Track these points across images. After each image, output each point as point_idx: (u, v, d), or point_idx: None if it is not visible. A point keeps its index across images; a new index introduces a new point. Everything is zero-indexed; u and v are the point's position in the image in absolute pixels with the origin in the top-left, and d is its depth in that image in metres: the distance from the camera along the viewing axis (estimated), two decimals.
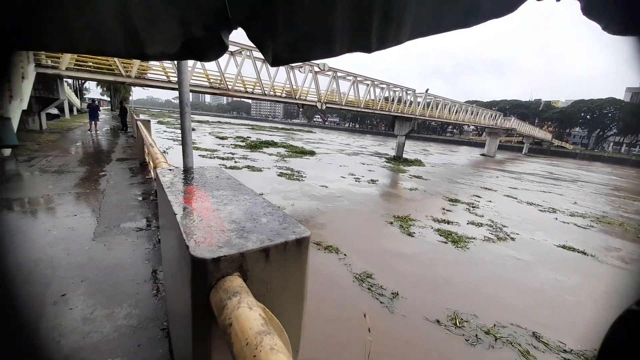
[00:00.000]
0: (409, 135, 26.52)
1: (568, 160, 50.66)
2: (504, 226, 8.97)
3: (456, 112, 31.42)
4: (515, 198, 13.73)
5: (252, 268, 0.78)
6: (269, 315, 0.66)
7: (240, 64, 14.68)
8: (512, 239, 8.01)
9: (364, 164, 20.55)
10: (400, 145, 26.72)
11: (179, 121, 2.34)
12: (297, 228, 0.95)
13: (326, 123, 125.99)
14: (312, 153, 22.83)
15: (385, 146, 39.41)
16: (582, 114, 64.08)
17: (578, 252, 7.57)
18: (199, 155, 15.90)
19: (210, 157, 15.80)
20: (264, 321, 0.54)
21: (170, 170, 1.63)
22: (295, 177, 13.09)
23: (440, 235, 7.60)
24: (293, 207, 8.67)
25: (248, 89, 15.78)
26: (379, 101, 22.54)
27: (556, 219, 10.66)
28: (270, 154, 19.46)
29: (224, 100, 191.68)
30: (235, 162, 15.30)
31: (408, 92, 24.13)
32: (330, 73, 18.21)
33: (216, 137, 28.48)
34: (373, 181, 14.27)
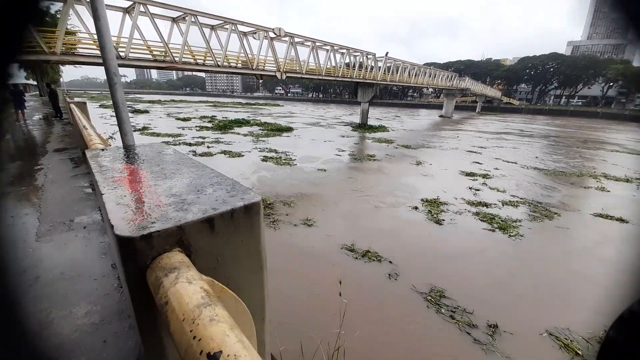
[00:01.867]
0: (372, 101, 26.67)
1: (515, 115, 54.87)
2: (539, 202, 8.17)
3: (415, 75, 31.91)
4: (516, 162, 13.43)
5: (195, 241, 0.72)
6: (218, 287, 0.62)
7: (186, 32, 13.25)
8: (557, 214, 7.41)
9: (344, 136, 20.30)
10: (364, 111, 26.88)
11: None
12: (245, 195, 0.89)
13: (289, 94, 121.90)
14: (289, 129, 21.97)
15: (357, 115, 39.11)
16: (528, 70, 68.59)
17: (615, 219, 7.24)
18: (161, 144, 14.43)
19: (175, 144, 14.32)
20: (205, 294, 0.50)
21: (103, 150, 1.43)
22: (283, 160, 11.75)
23: (482, 220, 6.72)
24: (295, 206, 6.99)
25: (198, 61, 14.44)
26: (340, 68, 22.04)
27: (572, 183, 10.46)
28: (245, 135, 18.32)
29: (174, 75, 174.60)
30: (208, 147, 13.97)
31: (368, 56, 23.82)
32: (287, 39, 17.20)
33: (176, 118, 26.19)
34: (371, 157, 13.14)
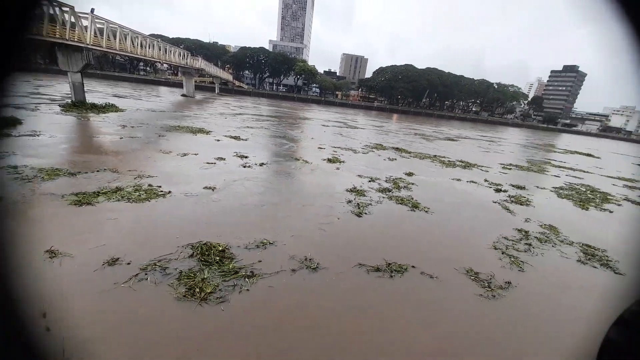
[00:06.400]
0: (85, 71, 20.57)
1: (246, 97, 64.78)
2: (414, 180, 10.49)
3: (142, 47, 28.12)
4: (323, 145, 15.59)
5: None
6: None
7: None
8: (410, 187, 9.70)
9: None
10: (77, 86, 20.34)
11: None
12: None
13: None
14: (14, 122, 11.76)
15: (119, 90, 27.19)
16: (248, 59, 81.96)
17: (470, 183, 11.16)
18: None
19: None
20: None
21: None
22: (135, 192, 6.63)
23: (399, 202, 8.08)
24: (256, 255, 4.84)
25: None
26: None
27: (386, 159, 13.57)
28: None
29: None
30: None
31: (63, 9, 17.60)
32: None
33: None
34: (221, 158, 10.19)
